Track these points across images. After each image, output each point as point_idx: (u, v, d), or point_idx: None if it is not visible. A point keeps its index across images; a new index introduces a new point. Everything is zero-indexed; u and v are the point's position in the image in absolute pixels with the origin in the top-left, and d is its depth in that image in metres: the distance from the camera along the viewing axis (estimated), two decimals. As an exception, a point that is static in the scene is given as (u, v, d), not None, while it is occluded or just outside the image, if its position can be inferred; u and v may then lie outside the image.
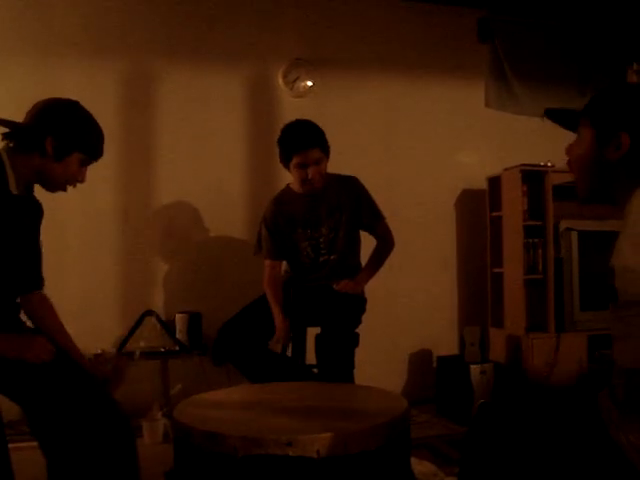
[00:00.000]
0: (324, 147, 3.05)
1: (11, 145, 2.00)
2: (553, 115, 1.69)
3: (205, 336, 3.63)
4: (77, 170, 2.05)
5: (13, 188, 1.97)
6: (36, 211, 2.16)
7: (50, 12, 3.68)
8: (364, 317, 3.09)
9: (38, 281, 2.18)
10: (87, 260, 3.72)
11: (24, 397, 1.92)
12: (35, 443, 1.97)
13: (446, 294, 4.34)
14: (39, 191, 2.13)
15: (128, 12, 3.81)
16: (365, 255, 3.26)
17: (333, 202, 3.12)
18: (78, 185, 2.11)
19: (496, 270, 4.24)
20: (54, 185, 2.07)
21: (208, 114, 3.93)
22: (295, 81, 4.04)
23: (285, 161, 3.07)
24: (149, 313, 3.68)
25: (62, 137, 1.99)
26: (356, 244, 3.24)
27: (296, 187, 3.15)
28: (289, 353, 3.26)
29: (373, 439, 1.70)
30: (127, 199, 3.81)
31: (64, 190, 2.10)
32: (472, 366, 3.75)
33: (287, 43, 4.06)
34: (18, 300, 2.12)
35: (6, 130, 2.02)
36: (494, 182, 4.24)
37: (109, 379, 2.16)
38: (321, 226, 3.13)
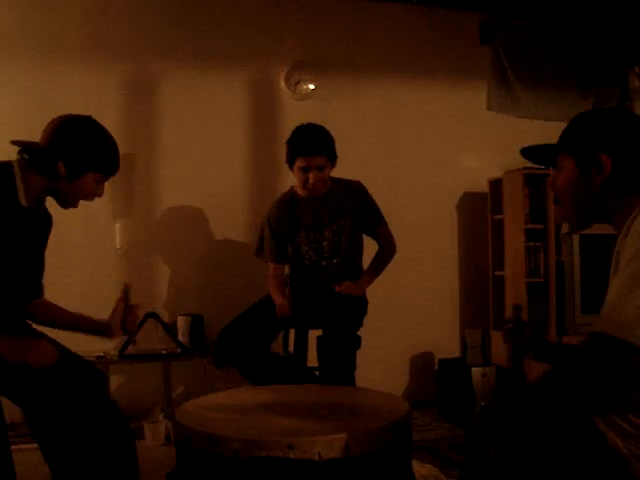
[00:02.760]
0: (330, 155, 3.05)
1: (26, 157, 2.00)
2: (529, 154, 1.71)
3: (207, 338, 3.63)
4: (93, 188, 2.06)
5: (23, 200, 1.97)
6: (46, 223, 2.16)
7: (55, 15, 3.69)
8: (365, 319, 3.09)
9: (38, 291, 2.19)
10: (89, 262, 3.73)
11: (25, 400, 1.93)
12: (36, 445, 1.97)
13: (447, 297, 4.34)
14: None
15: (131, 15, 3.82)
16: (367, 259, 3.26)
17: (337, 206, 3.12)
18: None
19: (497, 273, 4.24)
20: (66, 202, 2.08)
21: (210, 117, 3.93)
22: (297, 84, 4.05)
23: (290, 162, 3.08)
24: (151, 315, 3.68)
25: (74, 160, 1.98)
26: (359, 248, 3.24)
27: (299, 190, 3.16)
28: (290, 349, 3.28)
29: (375, 441, 1.71)
30: (129, 200, 3.82)
31: (75, 206, 2.11)
32: (473, 369, 3.74)
33: (289, 46, 4.07)
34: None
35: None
36: (496, 185, 4.25)
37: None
38: (324, 230, 3.13)
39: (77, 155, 1.98)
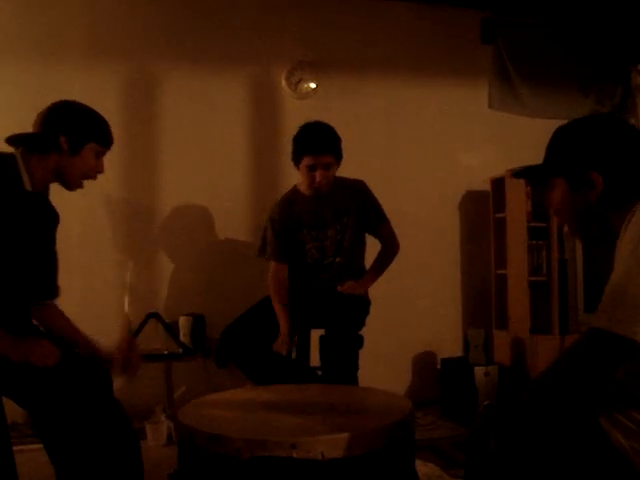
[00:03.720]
0: (337, 154, 3.04)
1: (26, 148, 2.02)
2: (521, 175, 1.73)
3: (208, 338, 3.63)
4: (94, 162, 2.09)
5: (28, 186, 2.00)
6: (52, 215, 2.17)
7: (54, 16, 3.69)
8: (368, 319, 3.09)
9: (53, 291, 2.19)
10: (90, 263, 3.72)
11: (29, 400, 1.92)
12: (38, 445, 1.97)
13: (450, 296, 4.33)
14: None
15: (131, 15, 3.82)
16: (370, 259, 3.26)
17: (340, 205, 3.12)
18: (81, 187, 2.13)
19: (500, 272, 4.23)
20: (73, 181, 2.10)
21: (211, 116, 3.93)
22: (298, 83, 4.04)
23: (296, 159, 3.07)
24: (153, 315, 3.68)
25: (74, 131, 2.03)
26: (361, 247, 3.24)
27: (303, 188, 3.15)
28: (293, 355, 3.26)
29: (377, 441, 1.70)
30: (130, 201, 3.82)
31: (81, 186, 2.13)
32: (476, 368, 3.74)
33: (290, 45, 4.06)
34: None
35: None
36: (498, 183, 4.24)
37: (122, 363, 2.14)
38: (327, 228, 3.12)
39: (76, 127, 2.04)
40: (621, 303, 1.31)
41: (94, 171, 2.12)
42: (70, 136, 2.02)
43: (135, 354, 2.18)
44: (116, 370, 2.12)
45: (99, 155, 2.11)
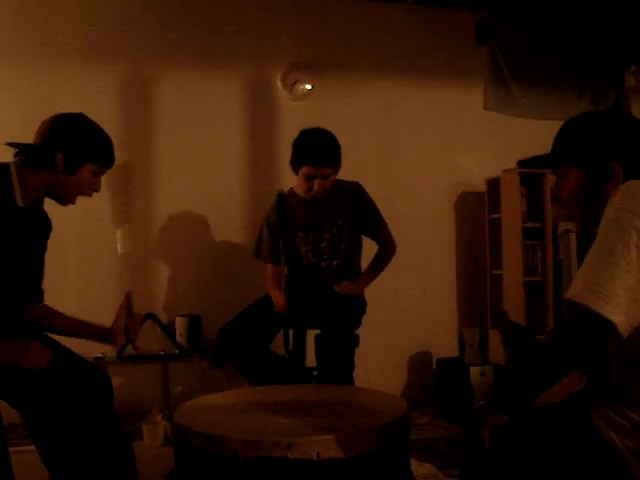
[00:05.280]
0: (336, 165, 3.04)
1: (22, 159, 2.00)
2: (532, 164, 1.72)
3: (205, 339, 3.63)
4: (90, 181, 2.06)
5: (19, 201, 1.97)
6: (44, 225, 2.16)
7: (51, 16, 3.69)
8: (364, 319, 3.09)
9: (38, 295, 2.19)
10: (87, 264, 3.72)
11: (21, 402, 1.92)
12: (35, 447, 1.97)
13: (445, 296, 4.34)
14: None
15: (128, 17, 3.81)
16: (366, 260, 3.26)
17: (336, 208, 3.12)
18: None
19: (495, 272, 4.24)
20: (65, 198, 2.07)
21: (207, 116, 3.93)
22: (294, 84, 4.05)
23: (295, 167, 3.06)
24: (149, 316, 3.68)
25: (71, 151, 1.99)
26: (358, 249, 3.24)
27: (299, 191, 3.15)
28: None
29: (373, 441, 1.71)
30: (127, 202, 3.81)
31: (73, 203, 2.11)
32: (472, 368, 3.75)
33: (286, 46, 4.06)
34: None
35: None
36: (493, 184, 4.25)
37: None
38: (323, 231, 3.12)
39: (74, 146, 2.00)
40: (584, 276, 1.34)
41: (89, 189, 2.08)
42: (67, 155, 1.98)
43: (133, 321, 2.20)
44: (118, 338, 2.16)
45: (97, 174, 2.07)
